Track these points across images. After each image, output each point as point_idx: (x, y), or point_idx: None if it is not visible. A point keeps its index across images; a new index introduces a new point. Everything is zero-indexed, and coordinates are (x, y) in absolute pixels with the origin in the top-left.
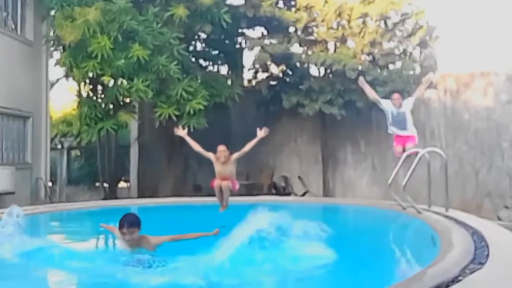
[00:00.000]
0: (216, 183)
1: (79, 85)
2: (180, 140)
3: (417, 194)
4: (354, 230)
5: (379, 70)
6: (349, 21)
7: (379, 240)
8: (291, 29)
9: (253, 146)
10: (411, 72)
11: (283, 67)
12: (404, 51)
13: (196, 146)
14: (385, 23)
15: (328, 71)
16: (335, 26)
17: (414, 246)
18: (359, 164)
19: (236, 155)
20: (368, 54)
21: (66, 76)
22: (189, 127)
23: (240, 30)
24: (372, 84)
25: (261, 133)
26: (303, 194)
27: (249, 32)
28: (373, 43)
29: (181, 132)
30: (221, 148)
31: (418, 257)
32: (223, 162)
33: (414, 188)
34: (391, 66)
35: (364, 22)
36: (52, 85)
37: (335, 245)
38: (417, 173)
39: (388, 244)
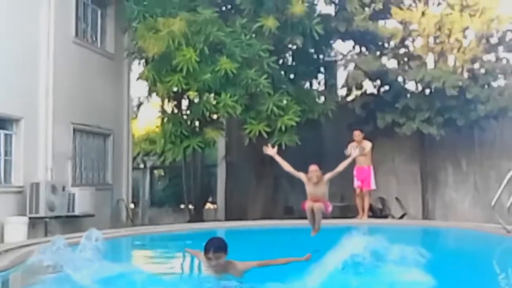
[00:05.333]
0: (308, 205)
1: (162, 100)
2: (270, 159)
3: None
4: (455, 255)
5: (480, 88)
6: (449, 36)
7: (482, 266)
8: (386, 44)
9: (347, 166)
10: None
11: (377, 83)
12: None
13: (286, 166)
14: (487, 40)
15: (426, 87)
16: (433, 40)
17: None
18: (460, 184)
19: (329, 176)
20: (469, 70)
21: (149, 91)
22: (280, 144)
23: (332, 42)
24: (473, 101)
25: (355, 152)
26: (401, 217)
27: (341, 45)
28: (474, 59)
29: (271, 150)
30: (313, 168)
31: None
32: (315, 183)
33: None
34: (494, 84)
35: (465, 37)
36: (139, 105)
37: (435, 271)
38: None
39: (491, 270)
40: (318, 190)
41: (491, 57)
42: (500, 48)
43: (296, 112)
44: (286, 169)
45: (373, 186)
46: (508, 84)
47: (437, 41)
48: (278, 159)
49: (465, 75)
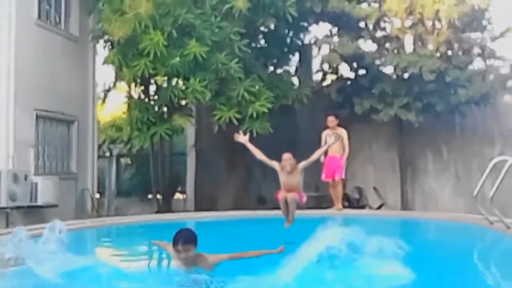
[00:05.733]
0: (281, 195)
1: (129, 86)
2: (242, 147)
3: (506, 207)
4: (436, 248)
5: (459, 70)
6: (421, 19)
7: (463, 259)
8: (362, 25)
9: (322, 154)
10: (491, 77)
11: (354, 67)
12: (482, 48)
13: (258, 154)
14: (460, 22)
15: (404, 73)
16: (408, 24)
17: (503, 266)
18: (441, 173)
19: (303, 164)
20: (445, 53)
21: (116, 76)
22: (251, 132)
23: (306, 24)
24: (452, 85)
25: (331, 139)
26: (379, 207)
27: (316, 28)
28: (449, 41)
29: (242, 138)
30: (287, 156)
31: (507, 278)
32: (289, 172)
33: (503, 200)
34: (473, 67)
35: (439, 19)
36: (107, 91)
37: (414, 264)
38: (507, 183)
39: (473, 263)
40: (292, 179)
41: (465, 38)
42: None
43: (268, 98)
44: (258, 158)
45: (342, 175)
46: (490, 67)
47: (411, 24)
48: (250, 147)
49: (443, 58)
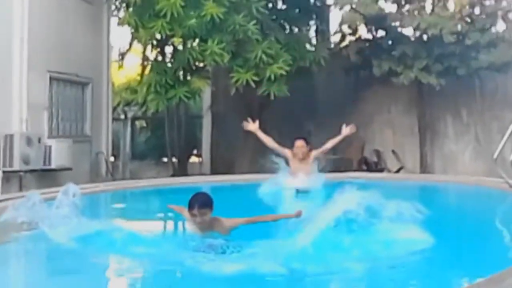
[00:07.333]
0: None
1: (145, 47)
2: (259, 109)
3: None
4: (455, 212)
5: (479, 33)
6: None
7: (483, 223)
8: None
9: (336, 144)
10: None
11: (373, 28)
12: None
13: (269, 142)
14: None
15: (423, 34)
16: None
17: None
18: (460, 136)
19: (316, 153)
20: (467, 15)
21: (132, 38)
22: (269, 94)
23: None
24: (473, 49)
25: (346, 130)
26: (398, 170)
27: None
28: (472, 4)
29: (252, 126)
30: (299, 143)
31: None
32: (301, 159)
33: None
34: (493, 29)
35: None
36: (123, 53)
37: (433, 228)
38: None
39: (493, 228)
40: (304, 166)
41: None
42: None
43: (286, 60)
44: (269, 146)
45: None
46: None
47: None
48: (260, 135)
49: (464, 20)
